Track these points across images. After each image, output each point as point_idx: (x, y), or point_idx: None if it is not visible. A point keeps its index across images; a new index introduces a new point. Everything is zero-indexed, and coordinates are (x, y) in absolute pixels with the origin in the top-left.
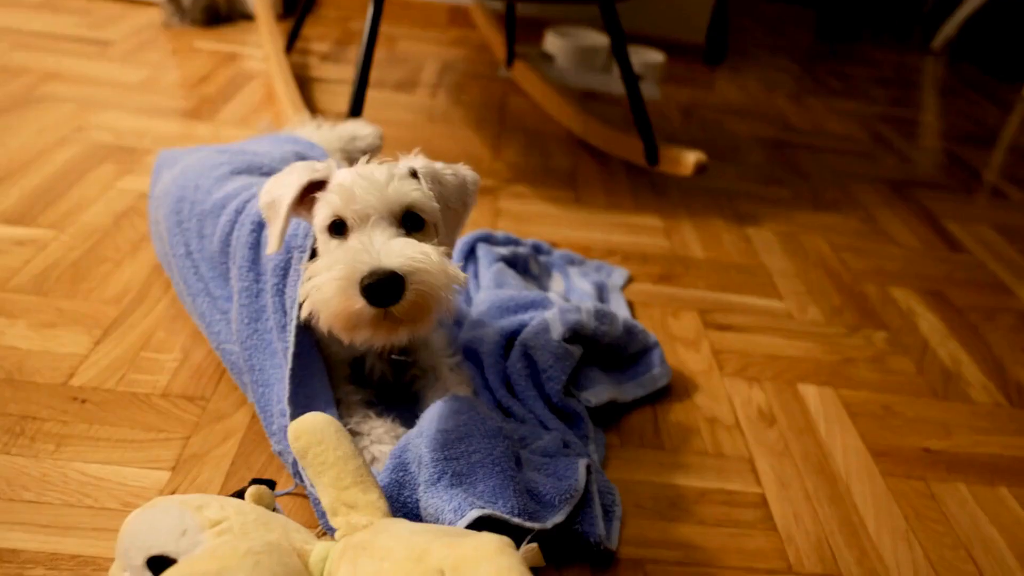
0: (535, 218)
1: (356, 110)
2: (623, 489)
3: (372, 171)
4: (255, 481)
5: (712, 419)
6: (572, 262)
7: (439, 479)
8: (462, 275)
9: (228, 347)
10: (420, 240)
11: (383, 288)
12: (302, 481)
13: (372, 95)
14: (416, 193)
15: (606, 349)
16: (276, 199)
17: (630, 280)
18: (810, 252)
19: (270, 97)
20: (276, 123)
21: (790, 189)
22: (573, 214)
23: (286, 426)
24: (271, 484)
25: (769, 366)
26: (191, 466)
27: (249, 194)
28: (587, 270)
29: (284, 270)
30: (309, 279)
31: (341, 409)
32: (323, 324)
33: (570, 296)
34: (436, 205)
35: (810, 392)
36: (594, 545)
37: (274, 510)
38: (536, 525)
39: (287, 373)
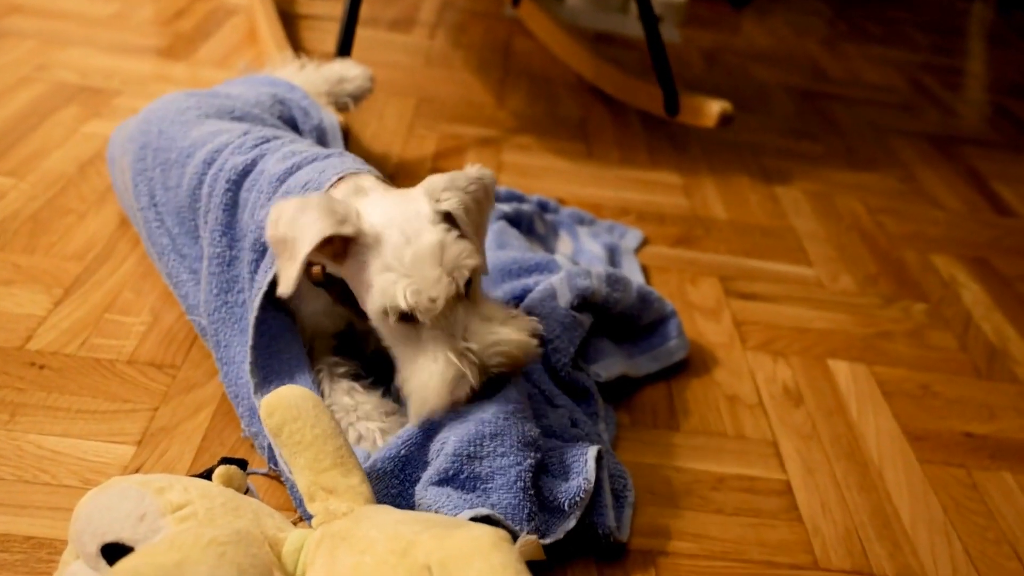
0: (541, 173)
1: (344, 50)
2: (634, 473)
3: (422, 244)
4: (225, 460)
5: (733, 397)
6: (582, 221)
7: (452, 476)
8: (538, 329)
9: (196, 319)
10: None
11: (488, 385)
12: (277, 467)
13: (364, 34)
14: (471, 261)
15: (618, 318)
16: (290, 241)
17: (645, 243)
18: (844, 214)
19: (252, 35)
20: (258, 64)
21: (822, 144)
22: (583, 169)
23: (255, 407)
24: (243, 464)
25: (796, 339)
26: (158, 440)
27: (219, 143)
28: (598, 230)
29: (264, 249)
30: (407, 375)
31: (323, 384)
32: (421, 416)
33: (579, 259)
34: (476, 241)
35: (841, 369)
36: (603, 537)
37: (246, 492)
38: (547, 539)
39: (248, 346)
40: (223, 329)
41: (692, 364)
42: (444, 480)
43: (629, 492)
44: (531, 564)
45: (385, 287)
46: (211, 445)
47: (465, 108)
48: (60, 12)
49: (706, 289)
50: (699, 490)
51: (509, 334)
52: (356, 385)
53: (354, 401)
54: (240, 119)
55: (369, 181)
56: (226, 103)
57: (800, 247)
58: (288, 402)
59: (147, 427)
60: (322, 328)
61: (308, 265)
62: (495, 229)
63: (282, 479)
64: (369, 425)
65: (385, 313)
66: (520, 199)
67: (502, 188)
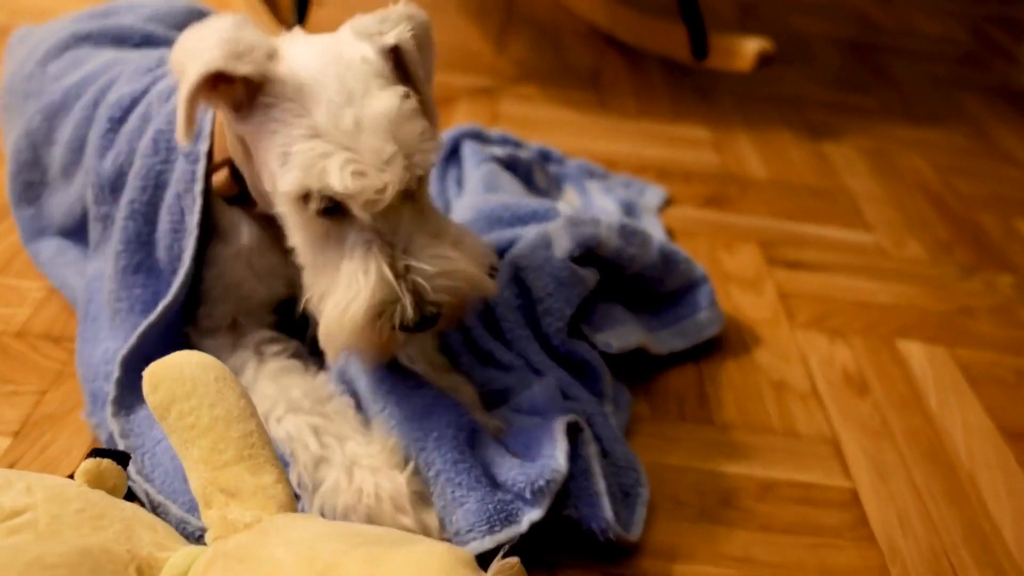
0: (545, 125)
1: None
2: (654, 478)
3: (372, 108)
4: (97, 453)
5: (780, 384)
6: (592, 175)
7: None
8: (494, 261)
9: (72, 281)
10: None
11: (422, 323)
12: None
13: None
14: (432, 146)
15: (634, 281)
16: (183, 66)
17: (668, 202)
18: (906, 173)
19: None
20: None
21: (876, 98)
22: (595, 121)
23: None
24: (124, 457)
25: (857, 316)
26: (42, 430)
27: (111, 76)
28: (611, 185)
29: (154, 188)
30: (323, 288)
31: (247, 368)
32: (331, 343)
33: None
34: (433, 124)
35: (914, 351)
36: (600, 533)
37: (128, 496)
38: (504, 534)
39: (148, 320)
40: (96, 299)
41: (727, 343)
42: None
43: (643, 488)
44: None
45: (311, 161)
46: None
47: (459, 56)
48: None
49: (744, 257)
50: (740, 500)
51: (461, 261)
52: (291, 364)
53: (282, 390)
54: (139, 47)
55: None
56: (121, 25)
57: (856, 209)
58: (179, 372)
59: (30, 414)
60: (251, 293)
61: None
62: (484, 171)
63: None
64: (297, 420)
65: (305, 199)
66: (517, 144)
67: (495, 131)
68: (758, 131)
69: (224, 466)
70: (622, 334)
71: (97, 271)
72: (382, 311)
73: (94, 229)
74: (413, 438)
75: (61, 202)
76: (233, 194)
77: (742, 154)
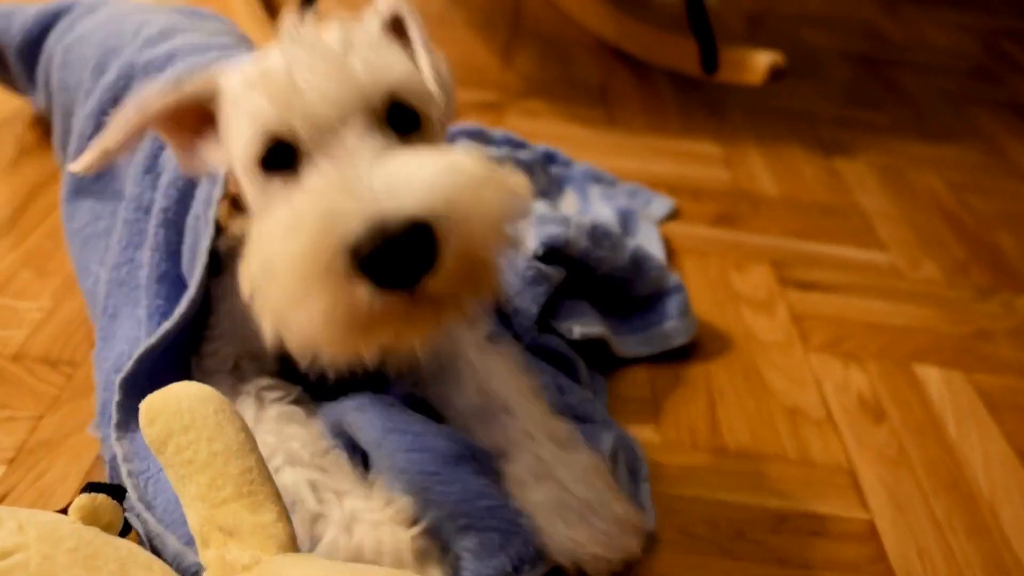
0: (552, 140)
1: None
2: (666, 509)
3: (313, 38)
4: (92, 487)
5: (793, 410)
6: (599, 180)
7: None
8: (523, 183)
9: (94, 268)
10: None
11: (401, 253)
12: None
13: None
14: (401, 67)
15: (604, 282)
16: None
17: (675, 214)
18: (919, 191)
19: None
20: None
21: (888, 114)
22: (602, 136)
23: (116, 402)
24: (120, 491)
25: (872, 339)
26: (38, 457)
27: (188, 61)
28: (615, 193)
29: (182, 193)
30: (248, 259)
31: (246, 415)
32: (291, 339)
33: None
34: (434, 85)
35: (931, 376)
36: None
37: (124, 531)
38: None
39: (146, 343)
40: (116, 293)
41: (739, 367)
42: None
43: (642, 463)
44: None
45: (245, 108)
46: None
47: (464, 70)
48: None
49: (755, 277)
50: (754, 533)
51: (474, 177)
52: (294, 411)
53: (280, 440)
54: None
55: None
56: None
57: (869, 228)
58: (177, 404)
59: (26, 440)
60: (254, 345)
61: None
62: None
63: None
64: (296, 474)
65: (255, 167)
66: (520, 145)
67: (498, 132)
68: (769, 147)
69: (223, 503)
70: (585, 323)
71: (126, 257)
72: (326, 230)
73: (128, 204)
74: (419, 485)
75: None
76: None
77: (753, 170)
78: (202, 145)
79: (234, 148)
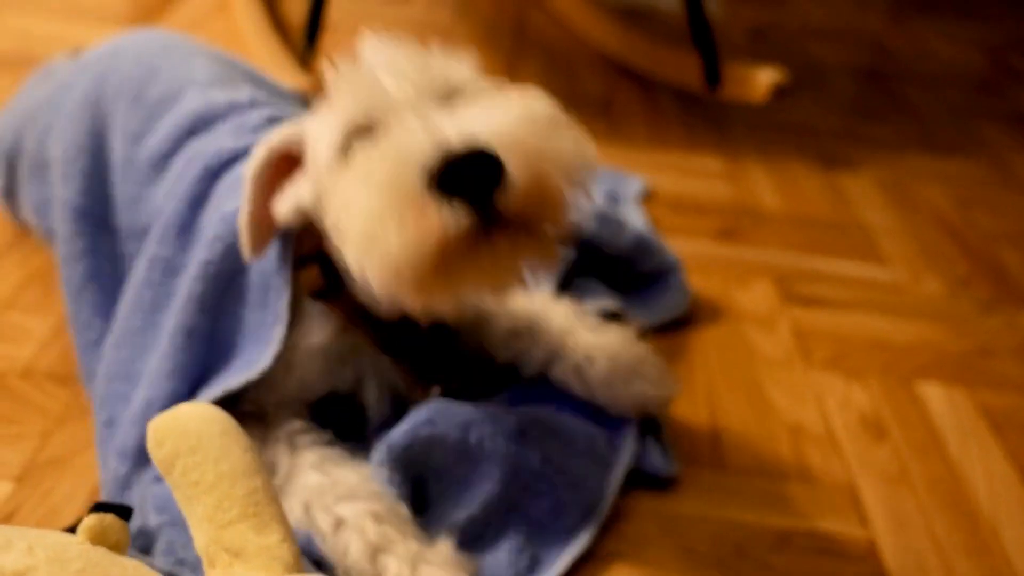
0: None
1: (312, 33)
2: (667, 527)
3: (391, 51)
4: (99, 507)
5: (796, 427)
6: None
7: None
8: (589, 141)
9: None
10: None
11: (470, 169)
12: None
13: (351, 5)
14: (467, 71)
15: (610, 262)
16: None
17: (647, 193)
18: (923, 205)
19: (224, 4)
20: (228, 39)
21: (893, 127)
22: (604, 150)
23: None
24: (126, 511)
25: (874, 355)
26: (44, 475)
27: (215, 102)
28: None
29: (227, 249)
30: (336, 212)
31: (279, 457)
32: (375, 279)
33: None
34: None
35: (934, 393)
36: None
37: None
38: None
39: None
40: (139, 358)
41: (742, 383)
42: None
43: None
44: None
45: (331, 112)
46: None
47: None
48: None
49: (758, 293)
50: (756, 551)
51: (538, 119)
52: (333, 454)
53: (329, 478)
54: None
55: None
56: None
57: (872, 243)
58: (185, 426)
59: (33, 458)
60: (310, 387)
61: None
62: None
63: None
64: (355, 507)
65: (338, 154)
66: None
67: None
68: (772, 161)
69: (229, 524)
70: (599, 299)
71: (143, 322)
72: (402, 160)
73: (141, 266)
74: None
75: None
76: (319, 288)
77: (756, 185)
78: (289, 186)
79: (320, 155)
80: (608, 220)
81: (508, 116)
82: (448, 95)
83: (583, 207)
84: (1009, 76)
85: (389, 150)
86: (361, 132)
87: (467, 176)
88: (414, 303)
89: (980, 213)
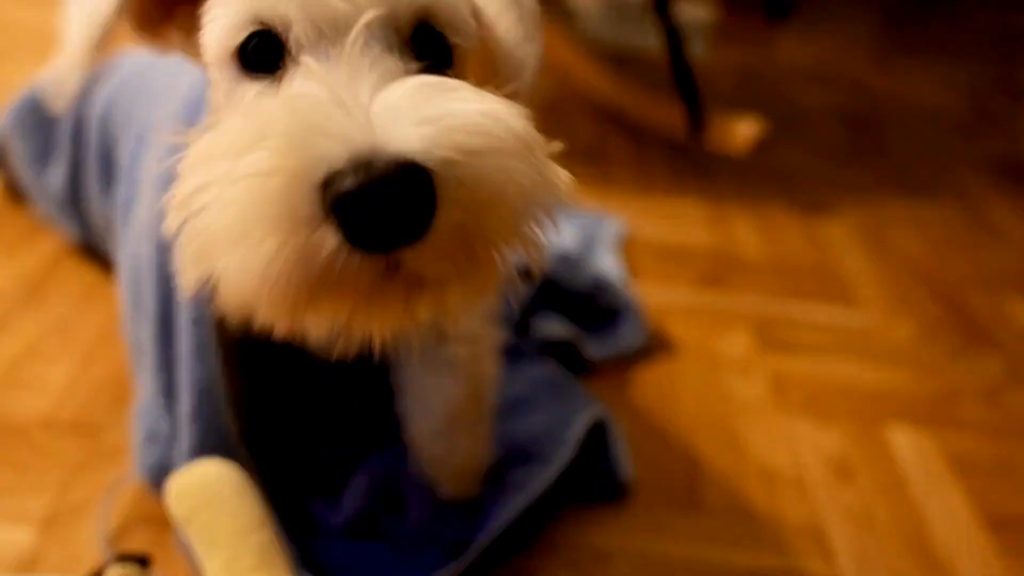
0: None
1: None
2: (643, 566)
3: None
4: (122, 558)
5: (769, 471)
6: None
7: None
8: (566, 176)
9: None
10: None
11: (387, 202)
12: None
13: None
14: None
15: (569, 299)
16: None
17: (625, 234)
18: (897, 251)
19: None
20: None
21: (872, 172)
22: (591, 194)
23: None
24: (143, 561)
25: (845, 400)
26: (66, 523)
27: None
28: (576, 218)
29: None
30: (185, 182)
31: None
32: (229, 298)
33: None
34: (509, 17)
35: (901, 436)
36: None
37: None
38: None
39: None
40: (133, 329)
41: (717, 429)
42: None
43: (611, 424)
44: None
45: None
46: (133, 526)
47: None
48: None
49: (736, 339)
50: None
51: (499, 129)
52: None
53: None
54: None
55: None
56: None
57: (847, 289)
58: (201, 483)
59: (55, 506)
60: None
61: None
62: None
63: None
64: None
65: (232, 59)
66: None
67: None
68: (754, 207)
69: (243, 574)
70: (552, 327)
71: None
72: (299, 149)
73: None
74: None
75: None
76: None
77: (737, 233)
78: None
79: (212, 39)
80: (567, 260)
81: (469, 127)
82: (405, 18)
83: (545, 248)
84: (987, 120)
85: (286, 123)
86: (266, 42)
87: (376, 223)
88: (277, 323)
89: (953, 257)
